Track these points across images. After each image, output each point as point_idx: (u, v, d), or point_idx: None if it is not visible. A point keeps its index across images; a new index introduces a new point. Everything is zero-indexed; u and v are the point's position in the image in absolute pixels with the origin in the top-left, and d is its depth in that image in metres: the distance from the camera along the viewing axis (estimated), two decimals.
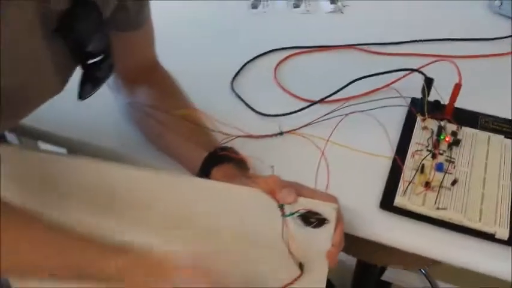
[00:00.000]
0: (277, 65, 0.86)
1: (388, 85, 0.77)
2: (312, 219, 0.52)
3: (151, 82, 0.69)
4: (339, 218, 0.54)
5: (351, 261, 1.18)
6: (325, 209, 0.52)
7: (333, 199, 0.55)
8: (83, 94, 0.60)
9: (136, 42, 0.68)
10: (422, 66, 0.73)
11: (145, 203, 0.56)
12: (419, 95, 0.72)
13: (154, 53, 0.72)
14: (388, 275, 1.44)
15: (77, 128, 0.73)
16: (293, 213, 0.51)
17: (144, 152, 0.68)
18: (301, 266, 0.55)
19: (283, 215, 0.51)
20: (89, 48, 0.56)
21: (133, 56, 0.70)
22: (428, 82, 0.71)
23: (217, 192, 0.55)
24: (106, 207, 0.57)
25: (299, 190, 0.53)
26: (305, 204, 0.52)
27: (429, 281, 1.37)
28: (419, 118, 0.71)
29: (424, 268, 1.15)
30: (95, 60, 0.58)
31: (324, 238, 0.53)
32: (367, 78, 0.76)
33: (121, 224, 0.56)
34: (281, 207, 0.51)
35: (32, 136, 0.75)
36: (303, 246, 0.53)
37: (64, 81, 0.60)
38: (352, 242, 0.59)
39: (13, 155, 0.59)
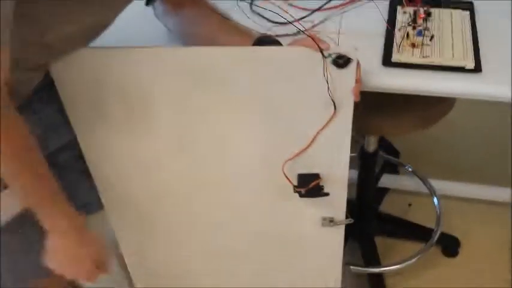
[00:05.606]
0: None
1: None
2: (340, 61, 0.73)
3: (194, 4, 0.90)
4: (358, 61, 0.76)
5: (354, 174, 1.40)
6: (349, 50, 0.74)
7: None
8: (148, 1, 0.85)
9: None
10: None
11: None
12: None
13: None
14: (383, 182, 1.68)
15: None
16: (330, 55, 0.73)
17: None
18: (334, 105, 0.77)
19: (324, 56, 0.72)
20: None
21: None
22: None
23: (273, 53, 0.77)
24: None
25: None
26: (334, 49, 0.74)
27: (421, 179, 1.60)
28: (399, 7, 0.95)
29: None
30: None
31: (349, 77, 0.75)
32: None
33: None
34: (322, 52, 0.72)
35: None
36: (335, 86, 0.75)
37: None
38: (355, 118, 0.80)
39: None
